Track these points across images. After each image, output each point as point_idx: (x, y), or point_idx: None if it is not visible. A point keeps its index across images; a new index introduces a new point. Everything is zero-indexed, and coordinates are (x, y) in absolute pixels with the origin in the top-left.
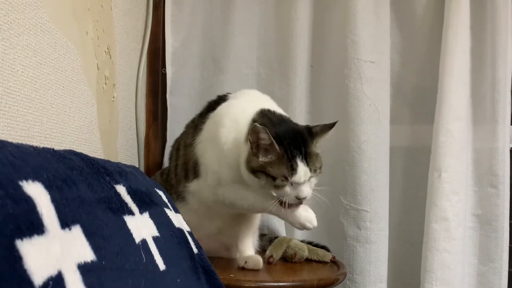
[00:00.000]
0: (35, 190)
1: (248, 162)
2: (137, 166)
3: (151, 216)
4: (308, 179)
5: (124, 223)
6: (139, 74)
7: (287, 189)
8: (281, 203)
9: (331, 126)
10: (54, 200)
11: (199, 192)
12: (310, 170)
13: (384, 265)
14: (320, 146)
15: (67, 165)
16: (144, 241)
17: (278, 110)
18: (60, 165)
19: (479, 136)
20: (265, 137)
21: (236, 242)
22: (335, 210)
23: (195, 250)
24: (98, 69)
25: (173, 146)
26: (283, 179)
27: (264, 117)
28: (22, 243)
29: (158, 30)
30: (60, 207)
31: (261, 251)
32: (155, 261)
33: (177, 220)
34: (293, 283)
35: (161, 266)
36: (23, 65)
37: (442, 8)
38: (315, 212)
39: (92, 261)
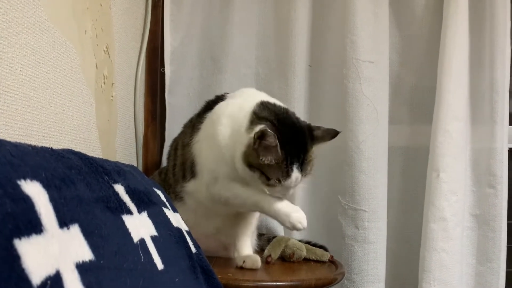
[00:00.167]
0: (34, 189)
1: (246, 156)
2: (136, 165)
3: (150, 216)
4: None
5: (123, 222)
6: (137, 73)
7: (277, 189)
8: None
9: (333, 135)
10: (52, 199)
11: (196, 192)
12: (302, 175)
13: (382, 265)
14: (316, 150)
15: (65, 164)
16: (142, 241)
17: (277, 101)
18: (58, 164)
19: (478, 137)
20: (271, 141)
21: (235, 241)
22: (333, 209)
23: (193, 250)
24: (96, 68)
25: (171, 146)
26: (277, 181)
27: (266, 109)
28: (20, 242)
29: (157, 29)
30: (58, 206)
31: (259, 250)
32: (153, 260)
33: (176, 219)
34: (291, 283)
35: (159, 265)
36: (21, 64)
37: (441, 9)
38: (313, 211)
39: (90, 261)
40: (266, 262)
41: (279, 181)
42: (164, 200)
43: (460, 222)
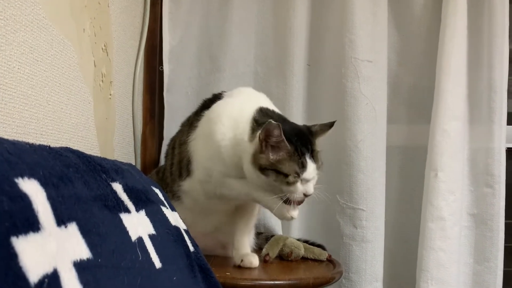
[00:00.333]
0: (31, 187)
1: (256, 160)
2: (134, 164)
3: (148, 214)
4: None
5: (120, 221)
6: (136, 71)
7: (299, 185)
8: (285, 201)
9: (330, 125)
10: (50, 198)
11: (192, 190)
12: (317, 167)
13: (380, 264)
14: (319, 145)
15: (63, 162)
16: (140, 239)
17: (275, 108)
18: (56, 162)
19: (476, 136)
20: (277, 133)
21: (233, 240)
22: (331, 209)
23: (191, 248)
24: (95, 66)
25: (169, 145)
26: (296, 175)
27: (266, 116)
28: (18, 240)
29: (156, 28)
30: (56, 204)
31: (258, 249)
32: (151, 259)
33: (174, 218)
34: (289, 282)
35: (157, 264)
36: (19, 62)
37: (439, 8)
38: (311, 210)
39: (88, 259)
40: (264, 261)
41: (298, 174)
42: (162, 198)
43: (458, 222)
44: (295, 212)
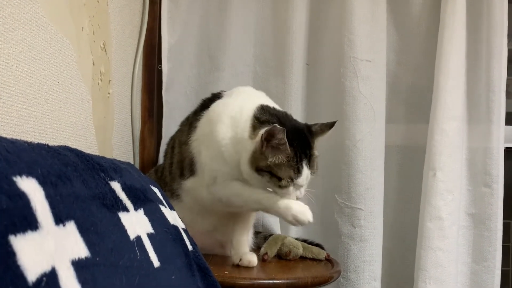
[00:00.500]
0: (29, 186)
1: (253, 160)
2: (132, 162)
3: (146, 213)
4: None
5: (119, 219)
6: (134, 70)
7: (291, 189)
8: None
9: (330, 125)
10: (48, 196)
11: (194, 189)
12: (311, 172)
13: (378, 263)
14: (317, 145)
15: (61, 161)
16: (138, 238)
17: (275, 105)
18: (54, 161)
19: (474, 136)
20: (281, 137)
21: (231, 239)
22: (330, 208)
23: (189, 247)
24: (93, 64)
25: (168, 144)
26: (289, 180)
27: (267, 113)
28: (16, 239)
29: (155, 26)
30: (54, 203)
31: (256, 248)
32: (149, 258)
33: (172, 217)
34: (288, 281)
35: (156, 263)
36: (17, 60)
37: (438, 8)
38: (310, 210)
39: (86, 258)
40: (262, 260)
41: (292, 179)
42: (161, 197)
43: (456, 221)
44: (308, 214)
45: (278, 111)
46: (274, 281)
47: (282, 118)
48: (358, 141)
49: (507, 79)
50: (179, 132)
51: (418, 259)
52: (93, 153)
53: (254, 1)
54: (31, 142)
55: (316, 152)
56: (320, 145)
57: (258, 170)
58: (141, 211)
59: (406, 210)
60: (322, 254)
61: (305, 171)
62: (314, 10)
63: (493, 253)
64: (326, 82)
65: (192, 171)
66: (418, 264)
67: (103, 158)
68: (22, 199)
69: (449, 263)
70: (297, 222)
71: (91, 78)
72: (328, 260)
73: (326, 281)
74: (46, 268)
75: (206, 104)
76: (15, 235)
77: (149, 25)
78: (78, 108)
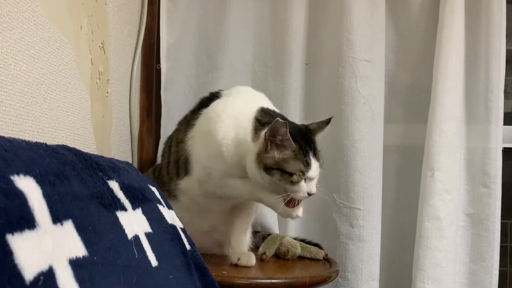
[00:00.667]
0: (27, 185)
1: (260, 160)
2: (131, 162)
3: (144, 212)
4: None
5: (117, 218)
6: (133, 69)
7: (303, 184)
8: (287, 202)
9: (327, 122)
10: (46, 195)
11: (189, 189)
12: (320, 165)
13: (376, 263)
14: (319, 144)
15: (59, 160)
16: (136, 237)
17: (275, 108)
18: (52, 160)
19: (472, 136)
20: (283, 132)
21: (229, 238)
22: (328, 208)
23: (188, 247)
24: (92, 64)
25: (165, 144)
26: (300, 174)
27: (267, 116)
28: (13, 237)
29: (153, 26)
30: (52, 202)
31: (254, 248)
32: (147, 257)
33: (170, 216)
34: (286, 280)
35: (154, 262)
36: (15, 59)
37: (437, 8)
38: (308, 209)
39: (83, 257)
40: (260, 259)
41: (303, 173)
42: (159, 197)
43: (454, 221)
44: (299, 211)
45: (278, 114)
46: (272, 281)
47: (282, 119)
48: (357, 141)
49: (506, 80)
50: (176, 131)
51: (416, 259)
52: (91, 152)
53: (253, 1)
54: (29, 141)
55: (318, 147)
56: (319, 144)
57: (267, 169)
58: (139, 211)
59: (404, 210)
60: (320, 254)
61: (314, 163)
62: (313, 10)
63: (491, 253)
64: (324, 82)
65: (186, 170)
66: (416, 264)
67: (101, 157)
68: (20, 198)
69: (447, 263)
70: (286, 215)
71: (90, 77)
72: (326, 259)
73: (324, 280)
74: (44, 267)
75: (204, 103)
76: (13, 234)
77: (147, 25)
78: (77, 107)
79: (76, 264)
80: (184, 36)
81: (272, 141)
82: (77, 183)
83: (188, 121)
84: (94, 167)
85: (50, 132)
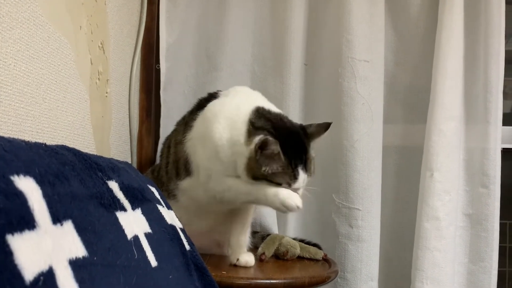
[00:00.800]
0: (27, 185)
1: (249, 168)
2: (130, 162)
3: (144, 213)
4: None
5: (116, 219)
6: (132, 69)
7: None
8: None
9: (326, 127)
10: (45, 195)
11: (191, 190)
12: (307, 175)
13: (375, 264)
14: (314, 146)
15: (59, 160)
16: (136, 237)
17: (271, 106)
18: (52, 160)
19: (471, 136)
20: (273, 148)
21: (229, 239)
22: (327, 208)
23: (187, 247)
24: (91, 64)
25: (164, 144)
26: (286, 185)
27: (262, 118)
28: (13, 238)
29: (153, 26)
30: (51, 202)
31: (253, 248)
32: (147, 257)
33: (170, 216)
34: (285, 281)
35: (153, 262)
36: (15, 59)
37: (436, 8)
38: (307, 210)
39: (83, 257)
40: (260, 260)
41: (289, 184)
42: (158, 197)
43: (453, 222)
44: (297, 199)
45: (273, 114)
46: (271, 281)
47: (277, 123)
48: (356, 142)
49: (505, 80)
50: (174, 132)
51: (415, 259)
52: (91, 153)
53: (252, 1)
54: (28, 141)
55: (312, 154)
56: (318, 145)
57: (255, 178)
58: (138, 211)
59: (403, 210)
60: (319, 254)
61: (301, 176)
62: (312, 10)
63: (490, 254)
64: (324, 82)
65: (187, 171)
66: (415, 264)
67: (100, 157)
68: (20, 198)
69: (446, 263)
70: (285, 208)
71: (89, 78)
72: (326, 260)
73: (323, 281)
74: (44, 267)
75: (202, 104)
76: (13, 234)
77: (147, 25)
78: (76, 107)
79: (76, 265)
80: (184, 36)
81: (262, 152)
82: (76, 183)
83: (186, 122)
84: (94, 167)
85: (50, 132)
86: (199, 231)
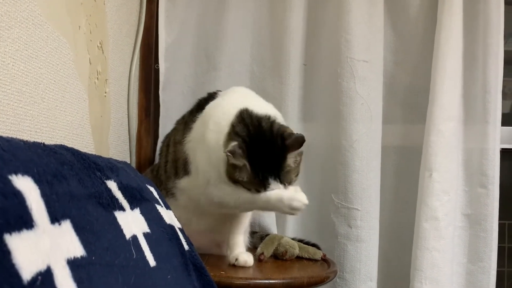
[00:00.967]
0: (25, 184)
1: (228, 172)
2: (129, 162)
3: (142, 212)
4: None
5: (115, 218)
6: (131, 69)
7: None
8: None
9: (300, 143)
10: (44, 195)
11: (189, 189)
12: (284, 185)
13: (374, 264)
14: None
15: (57, 159)
16: (134, 237)
17: (263, 108)
18: (50, 160)
19: (470, 137)
20: (239, 160)
21: (227, 239)
22: (326, 208)
23: (186, 247)
24: (90, 63)
25: (163, 142)
26: (257, 193)
27: (241, 123)
28: (11, 237)
29: (152, 25)
30: (50, 201)
31: (252, 248)
32: (145, 257)
33: (168, 216)
34: (284, 281)
35: (152, 262)
36: (13, 59)
37: (435, 9)
38: (306, 210)
39: (81, 257)
40: (258, 260)
41: (259, 192)
42: (157, 197)
43: (452, 222)
44: (303, 198)
45: (255, 119)
46: (270, 281)
47: (253, 130)
48: (355, 142)
49: (504, 80)
50: (174, 131)
51: (414, 260)
52: (90, 152)
53: (251, 1)
54: (27, 141)
55: (290, 164)
56: (317, 145)
57: (235, 182)
58: (137, 211)
59: (402, 210)
60: (318, 254)
61: (274, 185)
62: (311, 10)
63: (489, 254)
64: (323, 82)
65: (186, 171)
66: (414, 264)
67: (99, 157)
68: (18, 197)
69: (445, 263)
70: (294, 210)
71: (88, 77)
72: (324, 260)
73: (322, 281)
74: (42, 267)
75: (201, 104)
76: (10, 233)
77: (146, 24)
78: (75, 107)
79: (74, 264)
80: (183, 36)
81: (232, 162)
82: (75, 183)
83: (186, 122)
84: (92, 167)
85: (48, 132)
86: (198, 230)
